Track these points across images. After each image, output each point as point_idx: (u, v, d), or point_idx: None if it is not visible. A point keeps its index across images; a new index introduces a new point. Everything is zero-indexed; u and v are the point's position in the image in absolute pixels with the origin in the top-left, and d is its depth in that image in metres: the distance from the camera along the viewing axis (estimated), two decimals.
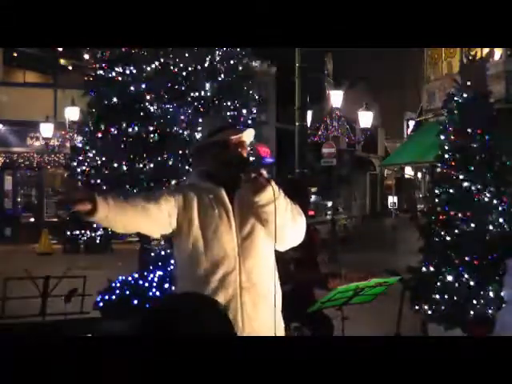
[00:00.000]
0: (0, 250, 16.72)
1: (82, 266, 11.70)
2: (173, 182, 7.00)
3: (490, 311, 5.92)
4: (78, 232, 15.81)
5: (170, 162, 7.27)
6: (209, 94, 7.56)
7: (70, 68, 21.23)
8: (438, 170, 6.88)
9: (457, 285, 6.12)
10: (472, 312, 6.02)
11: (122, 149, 7.40)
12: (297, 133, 12.91)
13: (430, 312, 6.31)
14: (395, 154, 23.40)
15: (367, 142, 27.01)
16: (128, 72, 7.49)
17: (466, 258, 6.15)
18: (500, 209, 6.26)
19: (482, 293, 6.03)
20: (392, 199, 33.18)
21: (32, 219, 21.67)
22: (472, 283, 6.06)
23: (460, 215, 6.27)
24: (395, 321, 5.36)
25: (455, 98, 6.51)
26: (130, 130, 7.37)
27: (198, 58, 7.56)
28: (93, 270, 10.44)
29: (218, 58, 7.73)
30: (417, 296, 6.43)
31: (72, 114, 18.28)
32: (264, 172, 2.62)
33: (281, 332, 2.89)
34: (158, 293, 7.03)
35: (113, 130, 7.48)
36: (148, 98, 7.41)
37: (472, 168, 6.33)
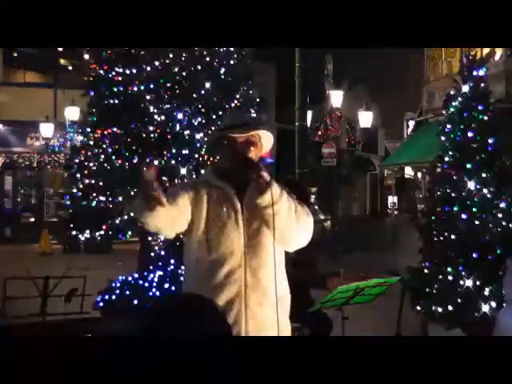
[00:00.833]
0: (0, 250, 16.71)
1: (81, 266, 11.67)
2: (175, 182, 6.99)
3: (490, 311, 5.92)
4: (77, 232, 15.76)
5: (171, 162, 7.27)
6: (209, 93, 7.56)
7: (70, 68, 21.21)
8: (438, 169, 6.87)
9: (457, 285, 6.12)
10: (472, 312, 6.02)
11: (122, 149, 7.40)
12: (297, 133, 12.91)
13: (429, 312, 6.31)
14: (395, 154, 23.38)
15: (367, 141, 27.03)
16: (128, 72, 7.49)
17: (466, 258, 6.15)
18: (500, 208, 6.26)
19: (481, 293, 6.03)
20: (392, 199, 33.14)
21: (32, 219, 21.64)
22: (472, 283, 6.06)
23: (460, 215, 6.27)
24: (395, 321, 5.36)
25: (458, 99, 6.50)
26: (130, 130, 7.37)
27: (198, 58, 7.56)
28: (93, 270, 10.41)
29: (217, 58, 7.73)
30: (417, 296, 6.43)
31: (72, 114, 18.28)
32: (264, 174, 2.59)
33: (287, 332, 2.88)
34: (158, 293, 7.03)
35: (113, 130, 7.48)
36: (148, 97, 7.41)
37: (472, 168, 6.33)
